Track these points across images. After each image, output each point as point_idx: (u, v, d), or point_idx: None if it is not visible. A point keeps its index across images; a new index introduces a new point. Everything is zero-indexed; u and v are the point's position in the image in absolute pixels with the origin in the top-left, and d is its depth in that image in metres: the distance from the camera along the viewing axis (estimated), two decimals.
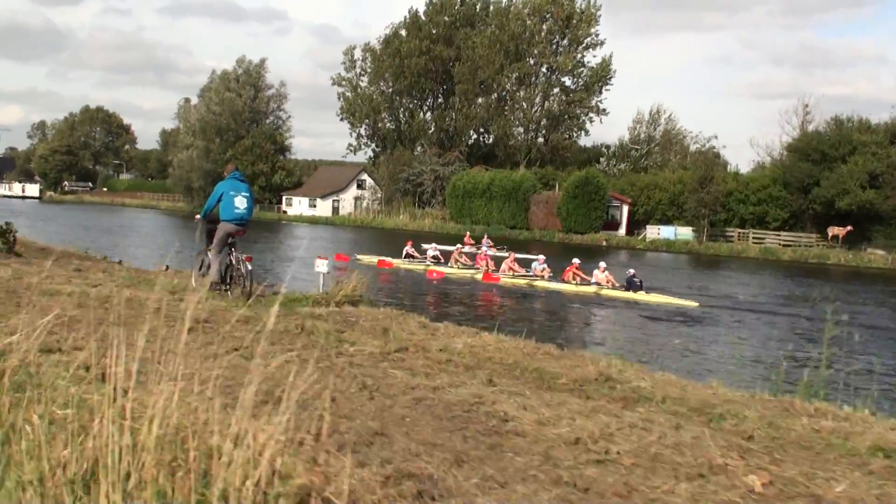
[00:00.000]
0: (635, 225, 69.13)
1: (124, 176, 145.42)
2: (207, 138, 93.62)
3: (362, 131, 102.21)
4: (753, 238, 60.38)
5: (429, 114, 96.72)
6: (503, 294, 26.07)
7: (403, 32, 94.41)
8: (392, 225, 78.77)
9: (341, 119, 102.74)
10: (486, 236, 43.36)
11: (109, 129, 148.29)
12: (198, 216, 11.56)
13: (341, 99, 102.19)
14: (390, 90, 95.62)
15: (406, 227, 76.82)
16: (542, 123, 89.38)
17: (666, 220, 66.83)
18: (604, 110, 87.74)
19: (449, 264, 30.53)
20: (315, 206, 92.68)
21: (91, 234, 47.88)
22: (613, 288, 26.19)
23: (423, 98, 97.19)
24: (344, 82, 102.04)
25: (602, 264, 27.30)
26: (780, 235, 59.76)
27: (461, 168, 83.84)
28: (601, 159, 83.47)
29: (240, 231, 11.05)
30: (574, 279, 27.01)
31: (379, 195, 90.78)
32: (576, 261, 27.61)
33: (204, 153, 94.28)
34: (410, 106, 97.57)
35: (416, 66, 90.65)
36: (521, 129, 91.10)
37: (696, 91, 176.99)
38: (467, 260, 31.09)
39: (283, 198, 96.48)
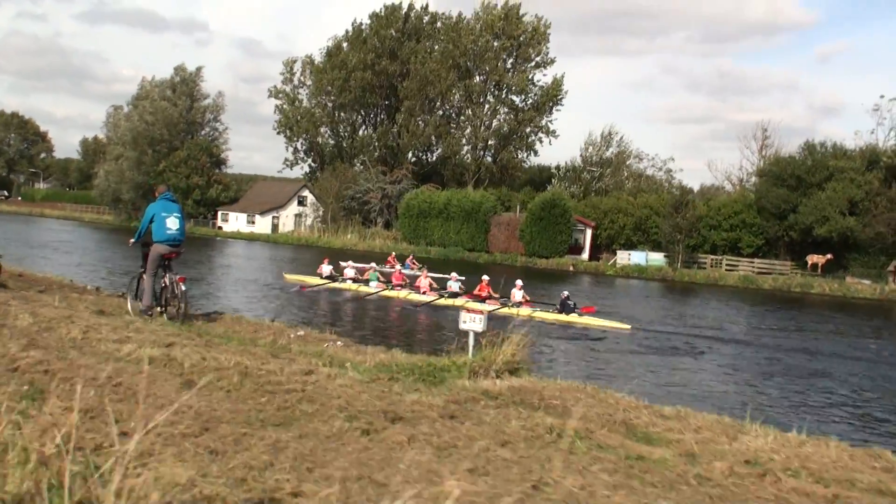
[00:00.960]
0: (598, 249, 67.44)
1: (40, 185, 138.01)
2: (139, 149, 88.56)
3: (299, 146, 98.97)
4: (727, 265, 57.85)
5: (370, 130, 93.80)
6: (438, 317, 24.55)
7: (345, 45, 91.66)
8: (340, 244, 75.02)
9: (278, 133, 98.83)
10: (411, 256, 42.88)
11: (25, 135, 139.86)
12: (131, 241, 11.44)
13: (278, 112, 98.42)
14: (331, 104, 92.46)
15: (356, 248, 73.16)
16: (489, 143, 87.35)
17: (630, 245, 64.95)
18: (553, 132, 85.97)
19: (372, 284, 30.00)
20: (254, 222, 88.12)
21: (31, 252, 43.32)
22: (529, 305, 25.63)
23: (367, 113, 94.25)
24: (281, 95, 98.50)
25: (518, 282, 26.44)
26: (753, 262, 57.30)
27: (410, 186, 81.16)
28: (553, 180, 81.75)
29: (173, 253, 10.98)
30: (489, 298, 26.21)
31: (320, 212, 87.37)
32: (485, 278, 27.27)
33: (135, 164, 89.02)
34: (353, 121, 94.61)
35: (361, 80, 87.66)
36: (468, 148, 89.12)
37: (614, 114, 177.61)
38: (381, 277, 30.63)
39: (219, 213, 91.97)
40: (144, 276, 11.13)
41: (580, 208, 67.69)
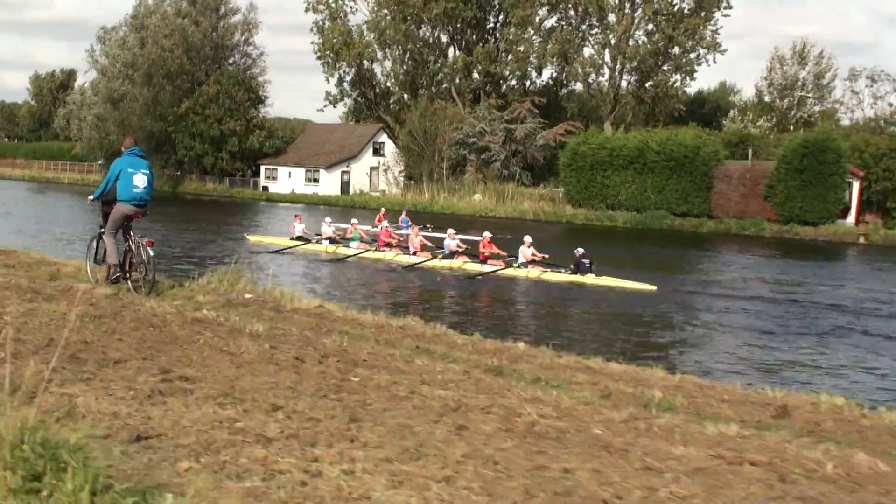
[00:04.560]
0: (865, 207, 51.32)
1: None
2: (155, 84, 68.25)
3: (342, 74, 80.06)
4: None
5: (461, 51, 75.28)
6: (458, 285, 22.62)
7: None
8: (468, 210, 57.51)
9: (318, 58, 79.84)
10: (404, 212, 38.61)
11: None
12: (91, 197, 10.84)
13: (316, 31, 79.06)
14: (405, 21, 73.23)
15: (492, 213, 56.03)
16: (633, 63, 69.46)
17: None
18: (718, 45, 68.74)
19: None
20: (316, 179, 69.00)
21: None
22: (544, 265, 23.65)
23: (457, 31, 75.44)
24: (322, 7, 78.82)
25: (528, 239, 24.31)
26: None
27: (537, 126, 63.49)
28: (732, 112, 64.80)
29: (138, 213, 10.32)
30: (493, 258, 24.58)
31: (402, 165, 68.92)
32: (486, 234, 25.46)
33: (146, 106, 69.12)
34: (442, 41, 75.80)
35: None
36: (593, 75, 71.41)
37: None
38: (364, 236, 28.45)
39: (263, 168, 72.54)
40: (104, 238, 10.34)
41: None
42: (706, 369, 12.56)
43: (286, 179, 70.04)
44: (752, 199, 49.62)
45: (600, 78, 69.18)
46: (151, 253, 10.03)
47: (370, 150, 69.80)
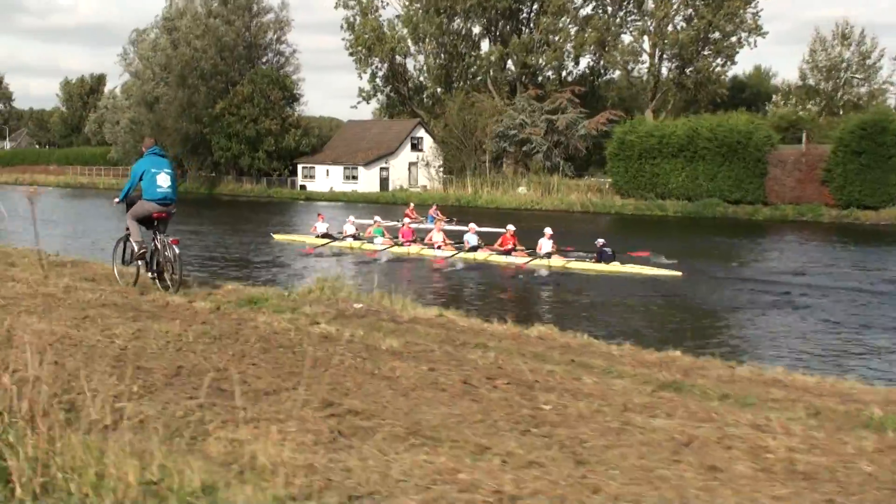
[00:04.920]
0: None
1: (5, 145, 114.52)
2: (190, 85, 67.83)
3: (375, 70, 79.25)
4: None
5: (496, 44, 74.17)
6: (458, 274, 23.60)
7: None
8: (513, 203, 56.49)
9: (350, 54, 79.08)
10: (434, 206, 38.80)
11: None
12: (116, 199, 10.82)
13: (347, 27, 78.25)
14: (438, 14, 72.22)
15: (538, 206, 55.00)
16: (673, 50, 67.89)
17: None
18: (759, 28, 67.22)
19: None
20: (355, 177, 68.40)
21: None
22: (562, 256, 23.65)
23: (491, 22, 74.33)
24: (352, 2, 77.96)
25: (548, 231, 24.10)
26: None
27: (579, 116, 62.31)
28: (774, 97, 63.22)
29: (163, 213, 10.24)
30: (515, 250, 24.36)
31: (441, 160, 67.94)
32: (510, 227, 25.07)
33: (181, 108, 68.71)
34: (475, 33, 74.73)
35: None
36: (632, 60, 70.04)
37: None
38: (387, 233, 28.30)
39: (300, 167, 72.04)
40: (127, 221, 10.36)
41: None
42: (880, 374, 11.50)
43: (324, 178, 69.43)
44: (809, 184, 48.20)
45: (640, 65, 67.69)
46: (177, 251, 10.08)
47: (408, 146, 69.03)
